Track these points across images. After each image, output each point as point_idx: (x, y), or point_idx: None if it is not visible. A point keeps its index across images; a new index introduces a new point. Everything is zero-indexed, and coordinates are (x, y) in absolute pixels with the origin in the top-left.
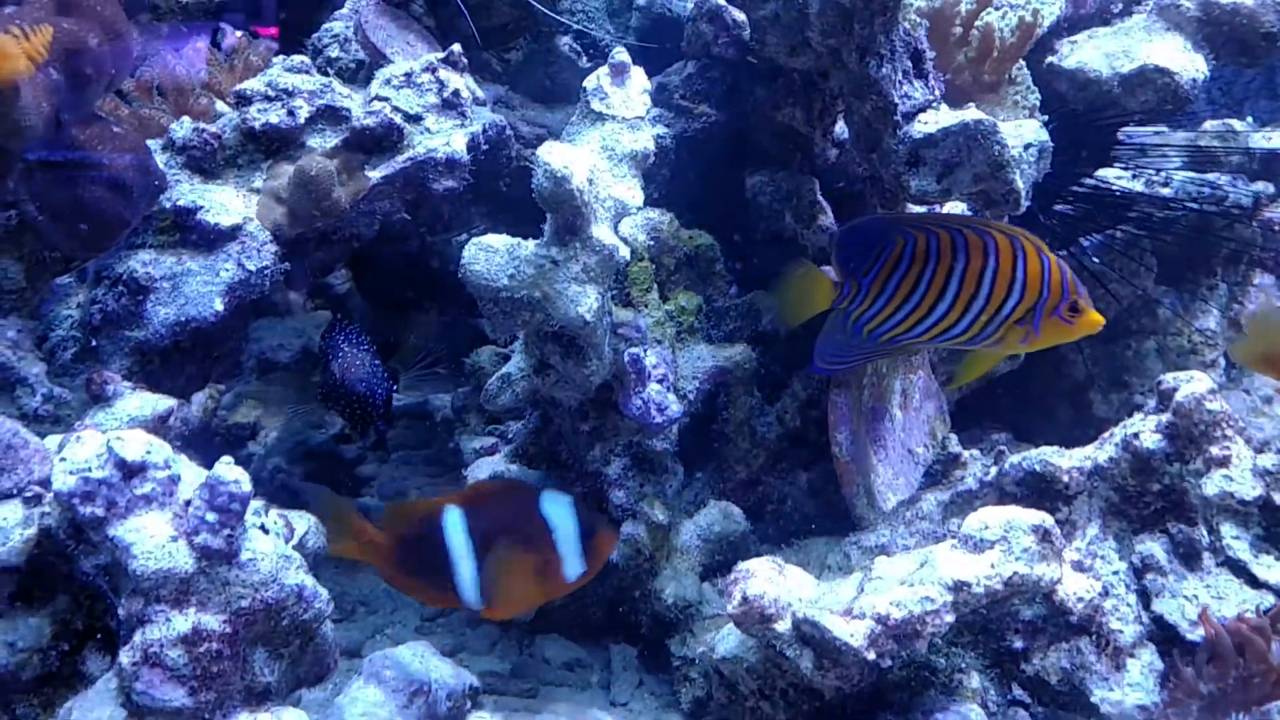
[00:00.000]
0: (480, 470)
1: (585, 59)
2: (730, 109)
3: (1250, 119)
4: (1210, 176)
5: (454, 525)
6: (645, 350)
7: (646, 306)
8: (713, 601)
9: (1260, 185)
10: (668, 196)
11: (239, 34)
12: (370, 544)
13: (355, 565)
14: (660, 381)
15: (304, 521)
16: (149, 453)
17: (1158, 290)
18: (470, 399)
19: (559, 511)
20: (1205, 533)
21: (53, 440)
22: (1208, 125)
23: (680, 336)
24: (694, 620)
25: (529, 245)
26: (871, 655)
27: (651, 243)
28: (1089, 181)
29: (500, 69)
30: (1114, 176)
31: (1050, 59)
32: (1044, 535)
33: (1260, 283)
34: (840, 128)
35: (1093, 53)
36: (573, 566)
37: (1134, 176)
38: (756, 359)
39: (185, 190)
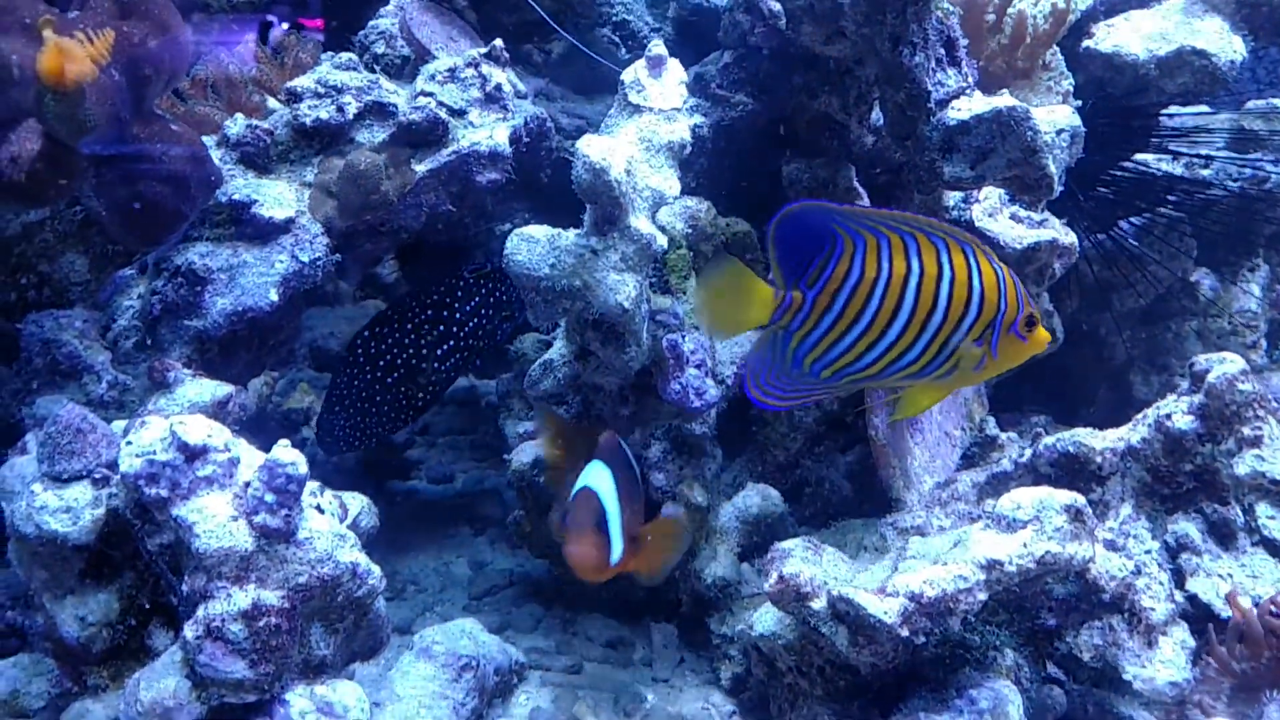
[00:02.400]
0: (524, 454)
1: (624, 50)
2: (766, 98)
3: None
4: (1252, 157)
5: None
6: (683, 336)
7: (685, 293)
8: (751, 581)
9: None
10: (705, 185)
11: (285, 26)
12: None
13: (406, 546)
14: (698, 366)
15: (357, 502)
16: (210, 436)
17: (1198, 272)
18: (514, 385)
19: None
20: (1240, 512)
21: (118, 425)
22: (1250, 105)
23: None
24: (733, 599)
25: (569, 235)
26: (905, 632)
27: (689, 230)
28: (1128, 164)
29: (541, 61)
30: (1154, 159)
31: (1087, 42)
32: (1076, 515)
33: None
34: (876, 115)
35: (1129, 35)
36: (616, 549)
37: (1174, 158)
38: None
39: (240, 185)
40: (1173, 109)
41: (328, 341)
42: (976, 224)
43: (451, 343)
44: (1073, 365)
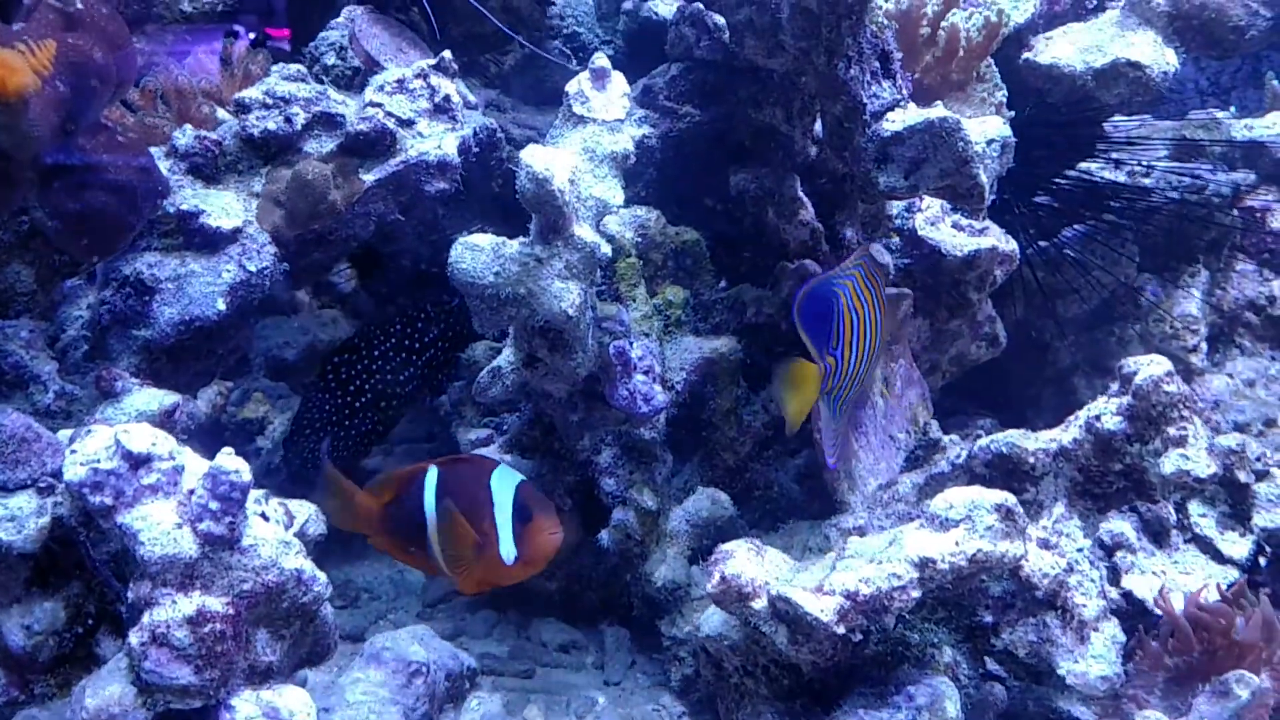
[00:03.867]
0: None
1: (575, 62)
2: (713, 109)
3: (1234, 108)
4: (1191, 166)
5: (430, 486)
6: (631, 342)
7: (635, 301)
8: (701, 584)
9: (1241, 174)
10: (655, 195)
11: (251, 35)
12: (364, 511)
13: (360, 554)
14: (646, 373)
15: (304, 510)
16: (154, 445)
17: (1140, 278)
18: (466, 392)
19: (503, 489)
20: (1172, 511)
21: (64, 434)
22: (1191, 114)
23: (668, 329)
24: (683, 602)
25: (513, 244)
26: (841, 630)
27: (639, 239)
28: (1071, 173)
29: (494, 73)
30: (1098, 168)
31: (1026, 55)
32: (1006, 514)
33: (1241, 269)
34: (819, 126)
35: (1067, 48)
36: (506, 548)
37: (1117, 166)
38: (742, 350)
39: (188, 195)
40: (1117, 118)
41: (284, 351)
42: (919, 232)
43: (412, 370)
44: (1017, 370)
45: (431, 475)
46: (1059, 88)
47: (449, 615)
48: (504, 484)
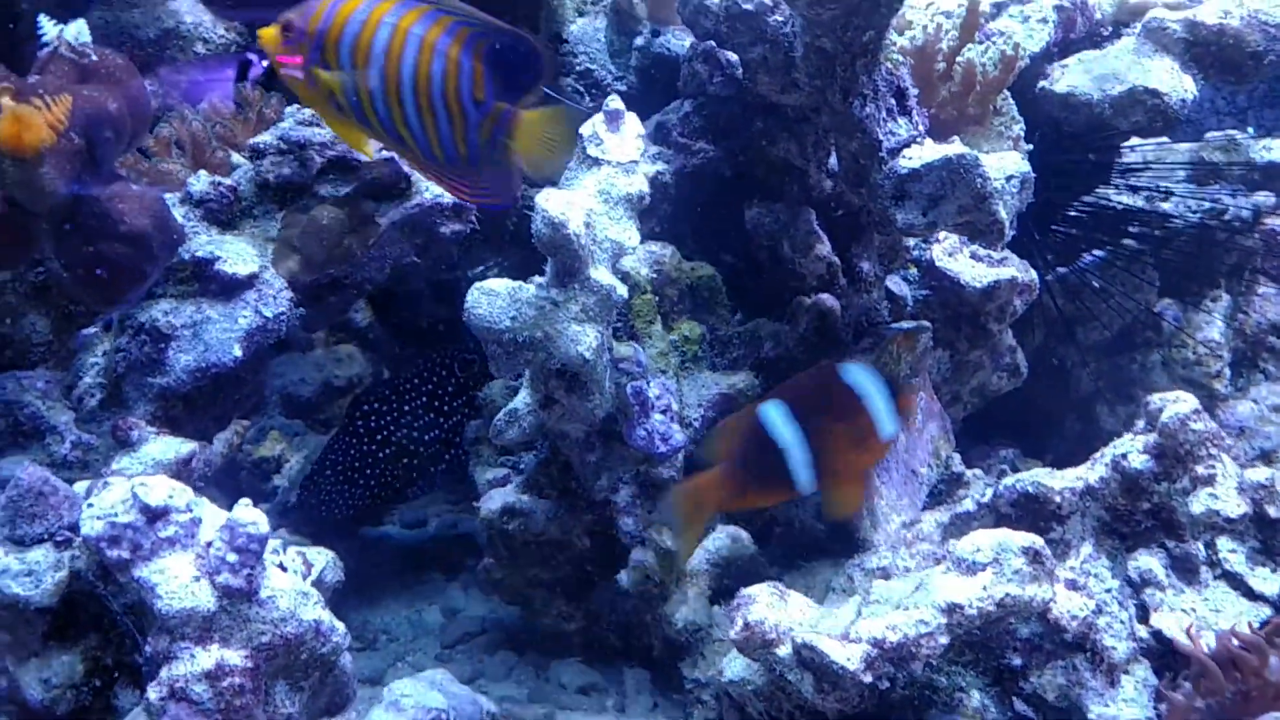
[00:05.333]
0: (493, 502)
1: (588, 98)
2: (727, 144)
3: (1251, 130)
4: (1211, 189)
5: (777, 418)
6: (648, 382)
7: (650, 337)
8: (722, 624)
9: (1261, 196)
10: (669, 230)
11: (265, 64)
12: (711, 487)
13: (378, 593)
14: (664, 412)
15: (322, 558)
16: (171, 497)
17: (1161, 303)
18: (483, 431)
19: (863, 378)
20: (1202, 547)
21: (81, 486)
22: (1209, 136)
23: (684, 365)
24: (704, 643)
25: (529, 288)
26: (868, 678)
27: (654, 275)
28: (1088, 199)
29: None
30: (1115, 193)
31: (1042, 83)
32: (1034, 556)
33: (1264, 293)
34: (834, 159)
35: (1083, 76)
36: (886, 426)
37: (1135, 192)
38: (760, 385)
39: (203, 241)
40: (1133, 140)
41: (299, 389)
42: (937, 263)
43: (437, 431)
44: (1039, 398)
45: (775, 408)
46: (1075, 116)
47: (467, 657)
48: (862, 374)
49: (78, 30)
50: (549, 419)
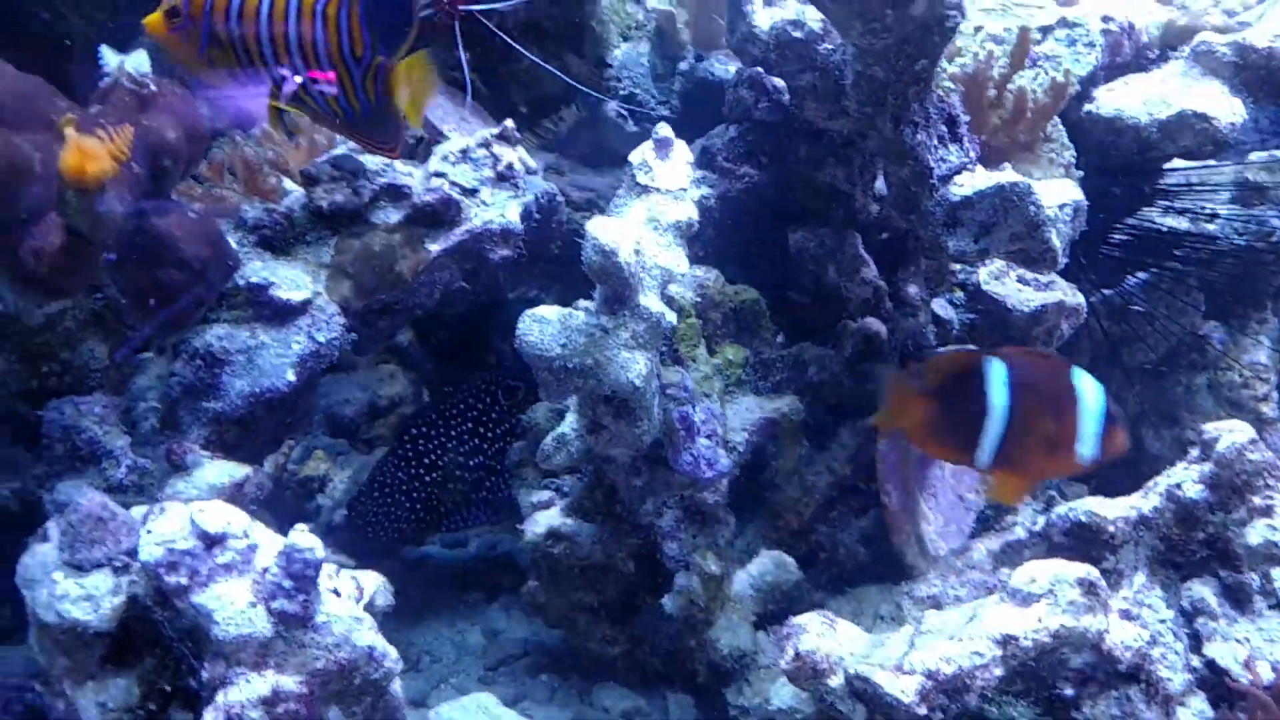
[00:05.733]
0: (538, 525)
1: (631, 123)
2: (772, 169)
3: None
4: (1256, 210)
5: (997, 378)
6: (694, 407)
7: (694, 361)
8: (767, 650)
9: None
10: (713, 254)
11: (298, 79)
12: (909, 401)
13: (421, 614)
14: (709, 437)
15: (372, 581)
16: (229, 524)
17: (1206, 326)
18: (526, 453)
19: (1090, 388)
20: (1256, 576)
21: (137, 511)
22: (1254, 157)
23: (728, 389)
24: (749, 669)
25: (579, 315)
26: (922, 710)
27: (698, 299)
28: (1132, 221)
29: (552, 135)
30: (1159, 215)
31: (1088, 107)
32: (1089, 588)
33: None
34: (880, 183)
35: (1130, 100)
36: (1086, 446)
37: (1179, 214)
38: (804, 409)
39: (257, 267)
40: (1177, 162)
41: (343, 408)
42: (984, 287)
43: (481, 457)
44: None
45: (998, 367)
46: (1122, 139)
47: (510, 679)
48: (1090, 384)
49: (138, 61)
50: (596, 444)
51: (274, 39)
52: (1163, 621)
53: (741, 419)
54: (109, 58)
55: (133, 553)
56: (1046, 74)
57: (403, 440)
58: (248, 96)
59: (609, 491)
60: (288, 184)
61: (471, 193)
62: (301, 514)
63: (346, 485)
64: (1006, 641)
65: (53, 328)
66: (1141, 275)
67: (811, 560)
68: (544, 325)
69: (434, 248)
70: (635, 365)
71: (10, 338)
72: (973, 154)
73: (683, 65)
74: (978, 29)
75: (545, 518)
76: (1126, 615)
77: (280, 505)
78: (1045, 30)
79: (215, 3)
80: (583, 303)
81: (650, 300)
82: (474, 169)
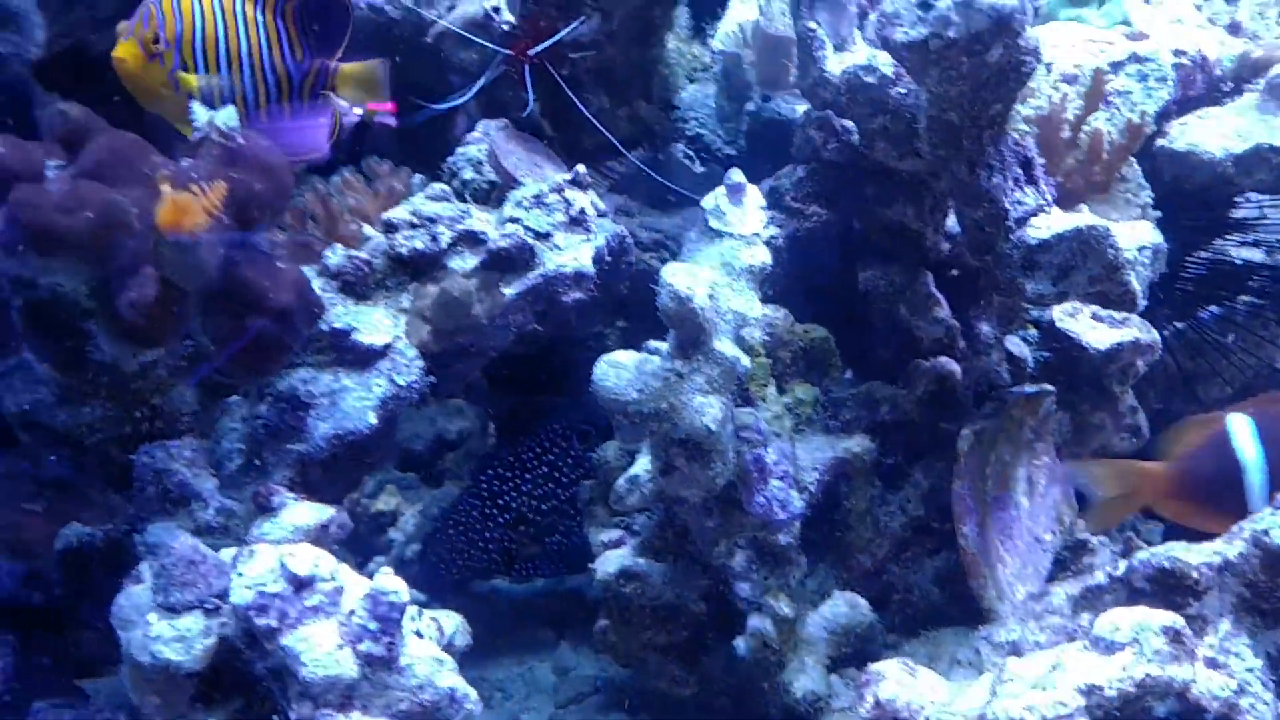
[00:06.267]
0: (609, 564)
1: (699, 164)
2: (840, 207)
3: None
4: None
5: (1244, 433)
6: (766, 449)
7: (764, 400)
8: (841, 694)
9: None
10: (782, 292)
11: (358, 112)
12: (1151, 478)
13: (490, 649)
14: (781, 478)
15: (451, 621)
16: (317, 566)
17: None
18: (596, 491)
19: None
20: None
21: (227, 553)
22: None
23: (798, 428)
24: (823, 713)
25: (655, 360)
26: None
27: (767, 338)
28: (1205, 254)
29: (620, 175)
30: (1233, 247)
31: (1160, 141)
32: (1175, 636)
33: None
34: (951, 221)
35: (1204, 134)
36: None
37: (1254, 245)
38: (876, 449)
39: (340, 313)
40: (1250, 193)
41: (413, 442)
42: (1057, 324)
43: (554, 502)
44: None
45: (1244, 422)
46: (1196, 174)
47: (581, 717)
48: None
49: (227, 116)
50: (668, 485)
51: (228, 52)
52: (1250, 670)
53: (812, 458)
54: (199, 113)
55: (223, 595)
56: (1121, 114)
57: (478, 481)
58: (309, 127)
59: (680, 531)
60: (366, 229)
61: (545, 237)
62: (373, 549)
63: (416, 520)
64: (1091, 691)
65: (145, 375)
66: (1215, 308)
67: (884, 601)
68: (620, 370)
69: (509, 292)
70: (710, 410)
71: (105, 385)
72: (1049, 196)
73: (749, 105)
74: (1049, 65)
75: (616, 557)
76: (1213, 664)
77: (353, 539)
78: (1116, 65)
79: (182, 25)
80: (653, 343)
81: (724, 345)
82: (547, 214)
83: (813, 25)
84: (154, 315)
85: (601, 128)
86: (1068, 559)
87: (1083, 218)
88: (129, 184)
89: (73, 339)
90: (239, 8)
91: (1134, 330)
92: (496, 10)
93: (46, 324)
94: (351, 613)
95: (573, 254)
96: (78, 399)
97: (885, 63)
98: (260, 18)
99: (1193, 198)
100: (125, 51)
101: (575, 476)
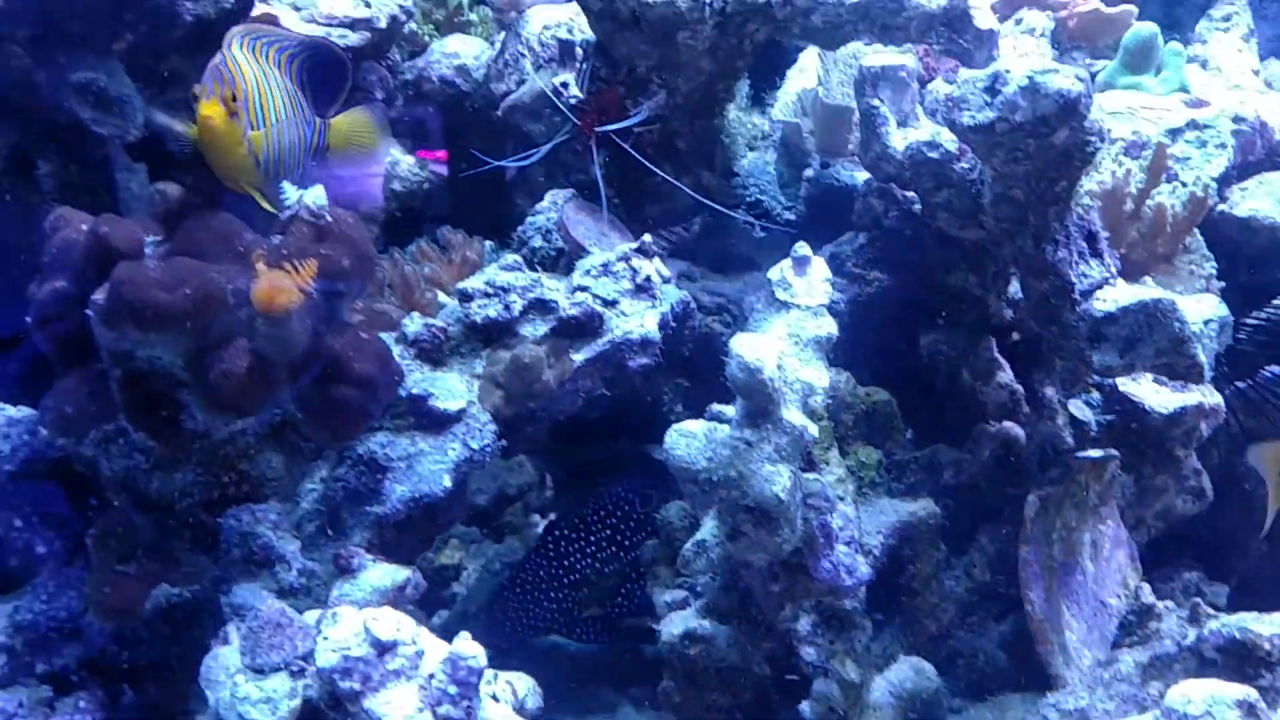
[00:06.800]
0: (674, 625)
1: (758, 229)
2: (902, 273)
3: None
4: None
5: None
6: (832, 514)
7: (827, 463)
8: None
9: None
10: (844, 356)
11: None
12: None
13: (552, 711)
14: (848, 543)
15: (524, 684)
16: (399, 630)
17: None
18: (658, 551)
19: None
20: None
21: (310, 615)
22: None
23: (861, 491)
24: None
25: (723, 429)
26: None
27: (829, 401)
28: (1265, 313)
29: (680, 240)
30: None
31: (1221, 206)
32: (1249, 710)
33: None
34: (1014, 288)
35: (1265, 199)
36: None
37: None
38: (941, 512)
39: (417, 379)
40: None
41: (475, 496)
42: (1120, 388)
43: (616, 564)
44: (1221, 518)
45: None
46: (1257, 239)
47: None
48: None
49: (316, 195)
50: (734, 550)
51: (275, 112)
52: None
53: (876, 522)
54: (290, 192)
55: (308, 657)
56: (1186, 189)
57: (545, 543)
58: (363, 178)
59: (744, 594)
60: (441, 297)
61: (612, 304)
62: (438, 602)
63: (479, 574)
64: None
65: (234, 442)
66: (1276, 369)
67: (950, 666)
68: (690, 439)
69: (578, 358)
70: (780, 479)
71: (197, 452)
72: (1113, 269)
73: (808, 171)
74: (1108, 132)
75: (681, 618)
76: None
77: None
78: (1175, 132)
79: (249, 87)
80: (717, 407)
81: (793, 414)
82: (614, 281)
83: (876, 102)
84: (245, 386)
85: (689, 190)
86: (1133, 623)
87: (1149, 291)
88: (223, 260)
89: (168, 408)
90: (272, 69)
91: (1198, 394)
92: (565, 85)
93: (143, 394)
94: (431, 676)
95: (639, 320)
96: (170, 465)
97: (949, 139)
98: (287, 77)
99: (1253, 261)
100: (211, 110)
101: (638, 538)
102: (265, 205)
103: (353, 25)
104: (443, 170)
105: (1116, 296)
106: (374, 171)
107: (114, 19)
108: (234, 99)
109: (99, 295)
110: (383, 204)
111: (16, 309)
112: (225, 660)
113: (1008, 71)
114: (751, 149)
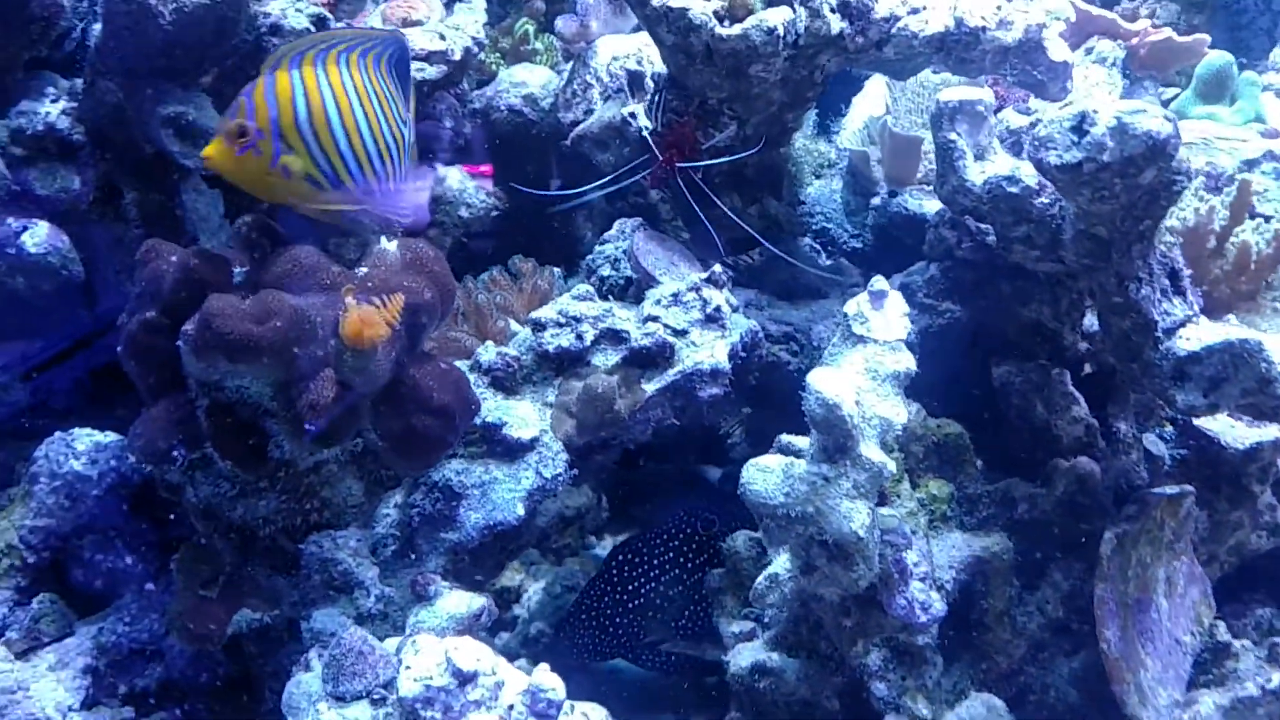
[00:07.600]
0: (742, 657)
1: (824, 256)
2: (973, 304)
3: None
4: None
5: None
6: (908, 550)
7: (898, 496)
8: None
9: None
10: (915, 387)
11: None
12: None
13: None
14: (923, 579)
15: (598, 714)
16: (479, 661)
17: None
18: (725, 580)
19: None
20: None
21: (390, 643)
22: None
23: (933, 524)
24: None
25: (800, 464)
26: None
27: (900, 433)
28: None
29: (746, 268)
30: None
31: None
32: None
33: None
34: (1089, 320)
35: None
36: None
37: None
38: (1014, 548)
39: (491, 408)
40: None
41: (537, 518)
42: (1195, 422)
43: (680, 588)
44: None
45: None
46: None
47: None
48: None
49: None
50: (808, 584)
51: (343, 124)
52: None
53: (949, 556)
54: (385, 243)
55: (389, 685)
56: (1268, 223)
57: (610, 567)
58: (409, 193)
59: (814, 626)
60: (512, 325)
61: (682, 334)
62: (499, 624)
63: (540, 596)
64: None
65: (317, 470)
66: None
67: (1021, 702)
68: (767, 475)
69: (649, 388)
70: (858, 515)
71: (281, 480)
72: (1196, 307)
73: (875, 200)
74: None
75: (750, 651)
76: None
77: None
78: (1251, 163)
79: (281, 109)
80: (786, 438)
81: (871, 450)
82: (684, 311)
83: (953, 136)
84: (332, 416)
85: (763, 240)
86: (1208, 661)
87: (1234, 330)
88: (311, 292)
89: (255, 437)
90: (345, 77)
91: (1275, 429)
92: (634, 116)
93: (231, 423)
94: (511, 707)
95: (709, 351)
96: (254, 493)
97: (1029, 174)
98: (369, 83)
99: None
100: (212, 149)
101: (700, 561)
102: (364, 225)
103: (429, 58)
104: (489, 186)
105: (1200, 335)
106: (423, 185)
107: (204, 55)
108: (242, 133)
109: (189, 326)
110: (429, 219)
111: (106, 336)
112: (307, 686)
113: (1095, 112)
114: (818, 176)
